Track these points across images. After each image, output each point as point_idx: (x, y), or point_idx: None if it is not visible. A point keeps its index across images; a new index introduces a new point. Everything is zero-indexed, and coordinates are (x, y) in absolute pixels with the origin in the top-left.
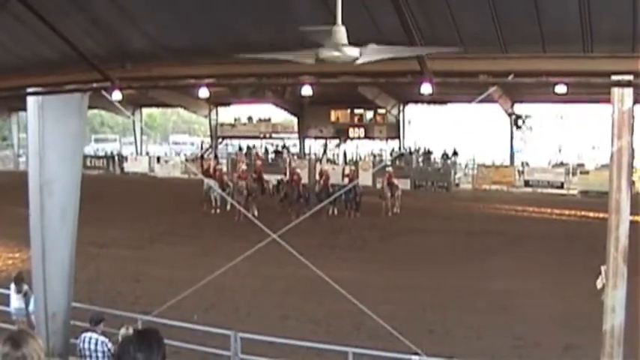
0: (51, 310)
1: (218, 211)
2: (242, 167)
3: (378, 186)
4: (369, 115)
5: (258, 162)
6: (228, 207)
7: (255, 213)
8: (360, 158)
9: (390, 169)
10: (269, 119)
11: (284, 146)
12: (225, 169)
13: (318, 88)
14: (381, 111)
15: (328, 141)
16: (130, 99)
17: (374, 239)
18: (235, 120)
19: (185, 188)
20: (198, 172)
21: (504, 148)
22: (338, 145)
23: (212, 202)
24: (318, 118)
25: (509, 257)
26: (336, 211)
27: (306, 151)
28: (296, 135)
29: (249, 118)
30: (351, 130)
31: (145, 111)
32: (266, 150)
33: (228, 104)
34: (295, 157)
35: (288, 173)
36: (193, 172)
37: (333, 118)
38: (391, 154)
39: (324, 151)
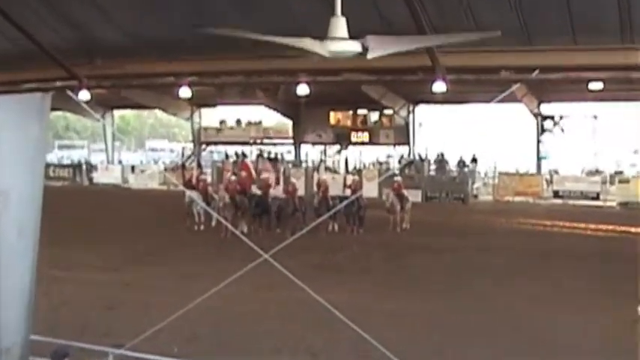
0: (5, 344)
1: (202, 227)
2: (229, 177)
3: (385, 198)
4: (374, 117)
5: (243, 173)
6: (214, 223)
7: (245, 229)
8: (364, 166)
9: (398, 178)
10: (260, 122)
11: (274, 155)
12: (209, 179)
13: (315, 87)
14: (388, 112)
15: (327, 147)
16: (100, 100)
17: (380, 259)
18: (221, 123)
19: (164, 201)
20: (178, 182)
21: (530, 154)
22: (339, 152)
23: (195, 217)
24: (316, 121)
25: (535, 280)
26: (336, 227)
27: (303, 158)
28: (291, 140)
29: (237, 122)
30: (353, 134)
31: (118, 113)
32: (258, 156)
33: (213, 105)
34: (290, 165)
35: (281, 184)
36: (173, 183)
37: (332, 120)
38: (399, 162)
39: (323, 159)
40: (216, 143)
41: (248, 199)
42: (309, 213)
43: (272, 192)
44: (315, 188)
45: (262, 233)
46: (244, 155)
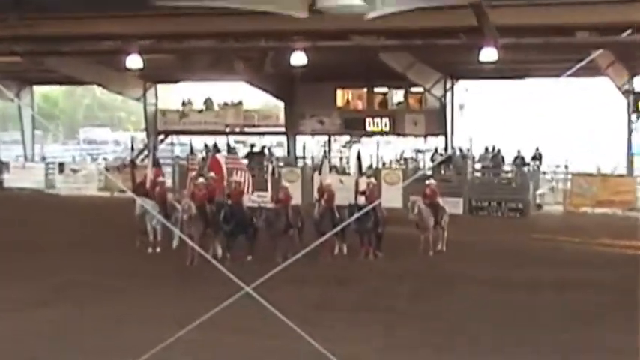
0: None
1: (158, 249)
2: (196, 180)
3: (412, 209)
4: (398, 97)
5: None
6: (175, 243)
7: (219, 252)
8: (384, 165)
9: (431, 181)
10: (239, 104)
11: (260, 149)
12: (169, 182)
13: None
14: (417, 90)
15: (333, 138)
16: (14, 72)
17: (405, 294)
18: (185, 105)
19: (106, 214)
20: (126, 187)
21: (617, 148)
22: (348, 145)
23: (149, 235)
24: (317, 102)
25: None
26: (345, 249)
27: (299, 154)
28: (282, 129)
29: (208, 103)
30: (368, 121)
31: (40, 90)
32: (229, 150)
33: (174, 81)
34: (282, 163)
35: (269, 190)
36: (119, 189)
37: (340, 101)
38: (432, 159)
39: (327, 155)
40: (178, 133)
41: (219, 210)
42: (308, 229)
43: (247, 200)
44: (315, 195)
45: (243, 258)
46: (217, 149)
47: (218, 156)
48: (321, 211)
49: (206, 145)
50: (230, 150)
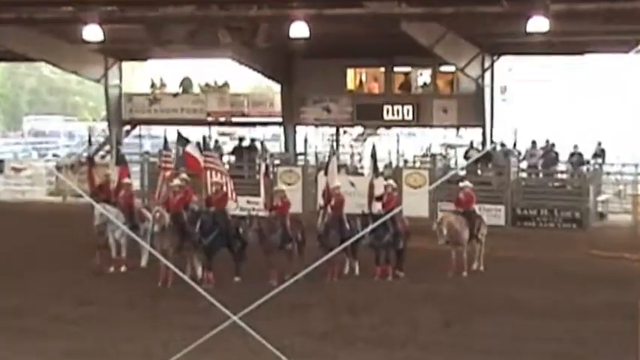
0: None
1: (123, 268)
2: (172, 182)
3: (441, 219)
4: (424, 77)
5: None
6: (145, 260)
7: (199, 272)
8: (405, 163)
9: (465, 184)
10: (224, 86)
11: (249, 143)
12: (138, 185)
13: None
14: (447, 69)
15: (342, 130)
16: None
17: (432, 324)
18: (156, 87)
19: (56, 223)
20: (82, 190)
21: None
22: (362, 139)
23: (112, 250)
24: (323, 84)
25: None
26: (357, 268)
27: (299, 149)
28: (278, 118)
29: (185, 85)
30: (386, 108)
31: None
32: (216, 145)
33: (142, 58)
34: (278, 161)
35: (262, 194)
36: (73, 192)
37: (351, 84)
38: (467, 156)
39: (334, 151)
40: (148, 122)
41: (194, 219)
42: (311, 244)
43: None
44: (320, 201)
45: (229, 279)
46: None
47: (190, 149)
48: (328, 220)
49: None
50: (215, 145)
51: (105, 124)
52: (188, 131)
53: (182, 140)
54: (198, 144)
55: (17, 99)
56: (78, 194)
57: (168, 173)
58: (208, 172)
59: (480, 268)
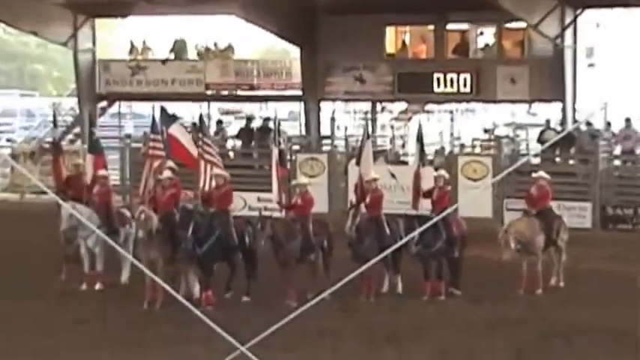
0: None
1: (99, 285)
2: (162, 175)
3: (508, 225)
4: (485, 37)
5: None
6: (126, 275)
7: (195, 289)
8: (462, 149)
9: (541, 175)
10: (228, 50)
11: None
12: (117, 178)
13: None
14: (516, 26)
15: (380, 106)
16: None
17: (498, 357)
18: (138, 52)
19: (11, 227)
20: (44, 186)
21: None
22: (405, 117)
23: (83, 261)
24: (355, 47)
25: None
26: (400, 285)
27: (324, 131)
28: (297, 91)
29: (177, 49)
30: (437, 77)
31: None
32: (218, 126)
33: (122, 15)
34: (297, 146)
35: (275, 189)
36: (34, 188)
37: (391, 46)
38: (542, 139)
39: (369, 133)
40: (131, 98)
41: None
42: (340, 253)
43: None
44: (352, 198)
45: (236, 299)
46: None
47: (175, 130)
48: (361, 223)
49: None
50: (218, 126)
51: (74, 101)
52: (181, 108)
53: (166, 119)
54: (194, 125)
55: None
56: (40, 190)
57: (156, 163)
58: (205, 162)
59: (559, 284)
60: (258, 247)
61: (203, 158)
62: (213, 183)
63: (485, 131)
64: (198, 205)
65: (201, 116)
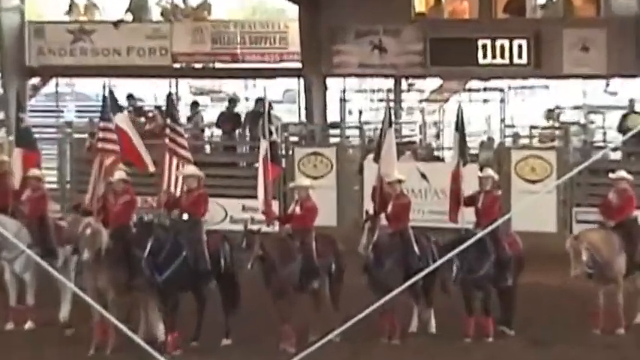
0: None
1: (29, 323)
2: (114, 176)
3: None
4: None
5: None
6: (66, 310)
7: (159, 330)
8: (516, 139)
9: (622, 174)
10: (202, 8)
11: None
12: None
13: None
14: None
15: (406, 83)
16: None
17: None
18: (79, 11)
19: None
20: None
21: None
22: (439, 98)
23: (9, 291)
24: (371, 5)
25: None
26: (433, 321)
27: (332, 117)
28: (296, 63)
29: (135, 5)
30: (482, 44)
31: None
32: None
33: None
34: (295, 137)
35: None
36: None
37: (419, 3)
38: (623, 126)
39: (392, 119)
40: (72, 73)
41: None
42: (352, 279)
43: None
44: (368, 206)
45: (214, 341)
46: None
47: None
48: (381, 240)
49: (131, 97)
50: (193, 109)
51: None
52: (140, 87)
53: (114, 104)
54: (158, 108)
55: None
56: None
57: (108, 161)
58: (171, 157)
59: None
60: (237, 272)
61: (171, 152)
62: (182, 186)
63: (548, 116)
64: (161, 216)
65: (169, 96)
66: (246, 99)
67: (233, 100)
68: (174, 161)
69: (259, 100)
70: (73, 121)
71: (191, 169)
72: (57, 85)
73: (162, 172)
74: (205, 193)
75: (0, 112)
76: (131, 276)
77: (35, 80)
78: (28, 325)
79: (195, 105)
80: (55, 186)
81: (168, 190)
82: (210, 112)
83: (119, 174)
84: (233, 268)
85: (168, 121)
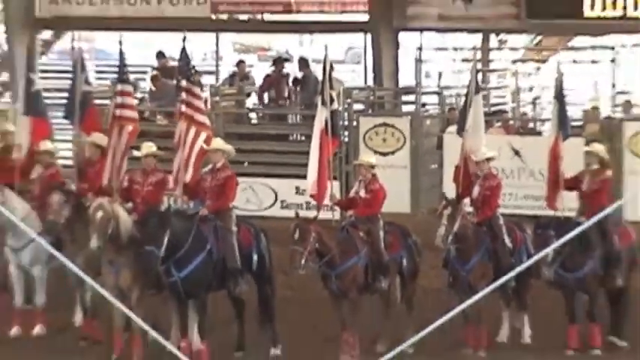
0: None
1: (39, 328)
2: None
3: None
4: None
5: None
6: (81, 313)
7: (195, 339)
8: (630, 108)
9: None
10: None
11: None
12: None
13: None
14: None
15: (497, 40)
16: None
17: None
18: None
19: None
20: None
21: None
22: (537, 59)
23: (15, 290)
24: None
25: None
26: (527, 330)
27: (405, 81)
28: (361, 15)
29: None
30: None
31: None
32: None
33: None
34: (360, 106)
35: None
36: None
37: None
38: None
39: (479, 85)
40: (88, 26)
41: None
42: (429, 275)
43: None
44: (448, 189)
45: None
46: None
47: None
48: (465, 230)
49: (161, 57)
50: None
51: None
52: (172, 42)
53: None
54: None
55: None
56: None
57: (130, 128)
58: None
59: None
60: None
61: (188, 119)
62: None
63: None
64: (177, 201)
65: (183, 50)
66: (302, 61)
67: (281, 60)
68: (192, 130)
69: (304, 62)
70: (91, 83)
71: (217, 142)
72: (73, 40)
73: (178, 144)
74: (234, 174)
75: (4, 73)
76: (156, 272)
77: (47, 34)
78: (37, 330)
79: (241, 63)
80: (69, 162)
81: (182, 169)
82: (257, 74)
83: (147, 147)
84: (269, 266)
85: (183, 82)
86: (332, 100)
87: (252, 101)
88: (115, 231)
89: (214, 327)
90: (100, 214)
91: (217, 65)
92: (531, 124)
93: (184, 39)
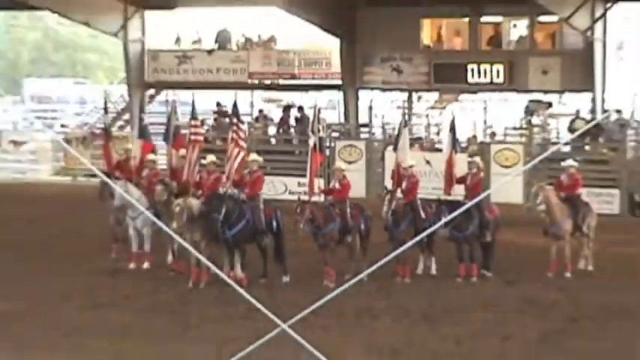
0: None
1: (146, 264)
2: (207, 158)
3: (537, 205)
4: (518, 30)
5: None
6: (172, 256)
7: (238, 271)
8: (493, 137)
9: (570, 163)
10: (270, 41)
11: (298, 113)
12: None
13: None
14: (548, 20)
15: (416, 95)
16: None
17: (528, 337)
18: (181, 42)
19: (63, 208)
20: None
21: None
22: (440, 106)
23: (132, 241)
24: (392, 38)
25: None
26: (434, 267)
27: (362, 119)
28: (337, 80)
29: (222, 39)
30: (471, 68)
31: None
32: (260, 114)
33: (170, 7)
34: (335, 134)
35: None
36: (85, 171)
37: (427, 38)
38: (572, 127)
39: (406, 121)
40: (177, 87)
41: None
42: (377, 236)
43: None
44: (388, 184)
45: (274, 280)
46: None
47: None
48: (397, 208)
49: (218, 104)
50: (260, 114)
51: (124, 88)
52: (225, 96)
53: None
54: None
55: (17, 57)
56: (91, 173)
57: (197, 148)
58: (234, 147)
59: (587, 267)
60: (281, 230)
61: (234, 143)
62: (242, 168)
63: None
64: (228, 190)
65: (235, 103)
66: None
67: (288, 107)
68: (236, 150)
69: (301, 109)
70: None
71: (254, 156)
72: (167, 95)
73: (229, 157)
74: (262, 175)
75: (126, 114)
76: (217, 233)
77: (151, 91)
78: (145, 265)
79: (260, 111)
80: (164, 167)
81: (231, 171)
82: (275, 115)
83: (210, 158)
84: (282, 229)
85: (235, 120)
86: (319, 131)
87: (272, 131)
88: (189, 213)
89: (249, 264)
90: (177, 208)
91: (252, 110)
92: (437, 145)
93: (236, 94)
